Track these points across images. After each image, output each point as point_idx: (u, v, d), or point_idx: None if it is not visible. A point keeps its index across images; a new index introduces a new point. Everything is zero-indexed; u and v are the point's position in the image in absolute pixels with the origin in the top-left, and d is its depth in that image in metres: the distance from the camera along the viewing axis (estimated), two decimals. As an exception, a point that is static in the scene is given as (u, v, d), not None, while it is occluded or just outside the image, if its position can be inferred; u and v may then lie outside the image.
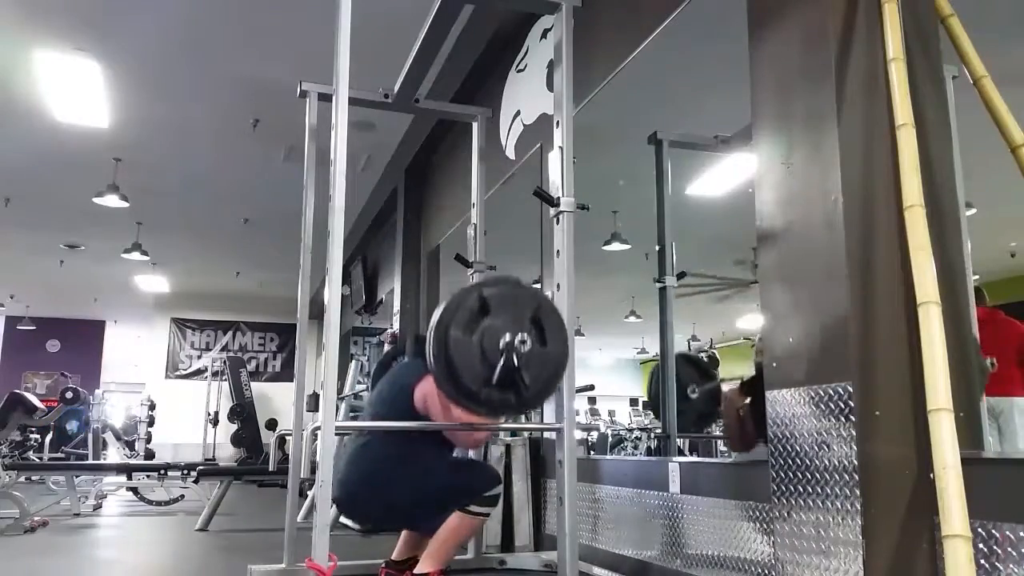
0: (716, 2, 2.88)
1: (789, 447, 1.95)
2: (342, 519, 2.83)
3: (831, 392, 1.82)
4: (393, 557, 2.89)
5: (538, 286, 4.10)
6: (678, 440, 3.97)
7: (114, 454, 9.00)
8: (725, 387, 3.62)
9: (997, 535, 1.56)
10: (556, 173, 2.47)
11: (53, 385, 13.64)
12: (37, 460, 9.11)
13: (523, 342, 2.05)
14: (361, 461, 2.71)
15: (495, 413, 2.24)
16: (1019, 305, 8.52)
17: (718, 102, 4.04)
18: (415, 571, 2.65)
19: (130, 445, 8.84)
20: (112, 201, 6.96)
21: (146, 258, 9.03)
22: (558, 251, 2.42)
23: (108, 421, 9.09)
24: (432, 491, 2.67)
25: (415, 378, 2.71)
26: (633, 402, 11.67)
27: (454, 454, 2.91)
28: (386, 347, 6.73)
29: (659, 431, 5.37)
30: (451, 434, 2.72)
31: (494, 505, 2.77)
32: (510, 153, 4.53)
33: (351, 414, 6.49)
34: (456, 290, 2.24)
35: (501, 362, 2.05)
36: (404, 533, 2.91)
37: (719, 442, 6.36)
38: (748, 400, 3.17)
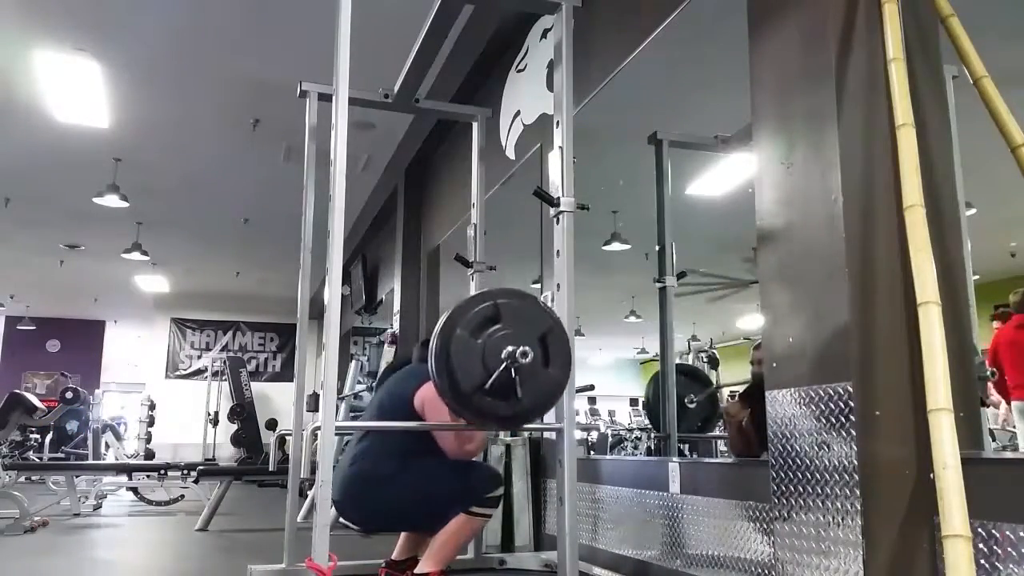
0: (716, 2, 2.88)
1: (789, 447, 1.95)
2: (342, 519, 2.83)
3: (831, 392, 1.82)
4: (393, 557, 2.89)
5: (537, 286, 4.11)
6: (678, 444, 3.98)
7: (113, 454, 9.00)
8: (725, 400, 3.63)
9: (997, 535, 1.56)
10: (556, 173, 2.47)
11: (53, 385, 13.64)
12: (37, 460, 9.11)
13: (524, 355, 2.04)
14: (362, 463, 2.71)
15: (485, 421, 2.23)
16: (1019, 305, 8.51)
17: (718, 102, 4.04)
18: (415, 571, 2.65)
19: (116, 435, 8.83)
20: (112, 201, 6.96)
21: (146, 258, 9.03)
22: (558, 251, 2.42)
23: (108, 421, 9.09)
24: (433, 494, 2.67)
25: (416, 383, 2.72)
26: (633, 402, 11.67)
27: None
28: (386, 347, 6.74)
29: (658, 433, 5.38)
30: (443, 443, 2.72)
31: (495, 506, 2.77)
32: (510, 153, 4.53)
33: (351, 414, 6.49)
34: (461, 296, 2.24)
35: (499, 370, 2.05)
36: (404, 533, 2.91)
37: (719, 442, 6.37)
38: (748, 411, 3.19)
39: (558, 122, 2.50)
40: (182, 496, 6.64)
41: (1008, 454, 3.58)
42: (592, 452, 6.11)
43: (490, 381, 2.05)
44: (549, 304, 2.35)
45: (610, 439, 7.38)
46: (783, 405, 1.98)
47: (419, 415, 2.69)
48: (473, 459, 2.94)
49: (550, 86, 3.79)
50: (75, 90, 5.50)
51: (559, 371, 2.16)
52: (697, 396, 4.00)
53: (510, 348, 2.05)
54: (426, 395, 2.66)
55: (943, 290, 1.68)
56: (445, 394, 2.12)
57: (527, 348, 2.05)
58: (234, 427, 12.85)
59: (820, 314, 1.91)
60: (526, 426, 2.39)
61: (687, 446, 4.42)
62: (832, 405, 1.82)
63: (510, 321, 2.11)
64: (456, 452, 2.74)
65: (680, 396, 3.92)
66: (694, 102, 4.30)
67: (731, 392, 3.83)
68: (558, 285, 2.41)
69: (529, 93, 4.27)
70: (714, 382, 4.01)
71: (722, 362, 7.41)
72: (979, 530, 1.57)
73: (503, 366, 2.05)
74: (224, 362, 14.06)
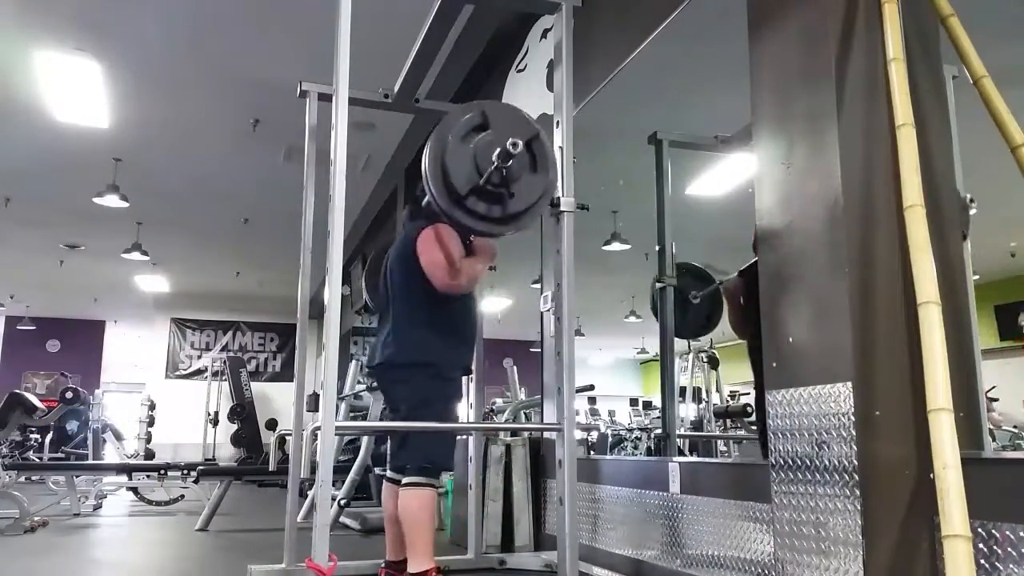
0: (716, 2, 2.88)
1: (789, 447, 1.95)
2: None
3: (831, 392, 1.82)
4: (388, 558, 2.89)
5: (537, 286, 4.11)
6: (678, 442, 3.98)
7: (112, 453, 9.00)
8: (726, 281, 3.64)
9: (997, 535, 1.56)
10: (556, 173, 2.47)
11: (53, 385, 13.63)
12: (37, 460, 9.11)
13: (515, 145, 2.08)
14: (399, 332, 2.82)
15: (478, 223, 2.24)
16: (1019, 305, 8.54)
17: (718, 102, 4.04)
18: (408, 571, 2.64)
19: (116, 435, 8.84)
20: (112, 201, 6.96)
21: (146, 258, 9.02)
22: (558, 251, 2.42)
23: (108, 421, 9.08)
24: (414, 409, 2.72)
25: (418, 230, 2.78)
26: (633, 402, 11.66)
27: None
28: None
29: (659, 431, 5.38)
30: (432, 276, 2.72)
31: (436, 477, 2.78)
32: (510, 153, 4.52)
33: (351, 414, 6.49)
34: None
35: (491, 168, 2.11)
36: (388, 533, 2.91)
37: (719, 442, 6.37)
38: (745, 283, 3.22)
39: (558, 122, 2.50)
40: (182, 496, 6.63)
41: (1008, 454, 3.58)
42: (592, 452, 6.13)
43: (482, 179, 2.12)
44: (549, 303, 2.36)
45: (610, 439, 7.39)
46: (783, 405, 1.98)
47: (416, 249, 2.75)
48: (451, 438, 3.05)
49: (550, 86, 3.79)
50: (75, 90, 5.50)
51: (546, 175, 2.26)
52: (700, 292, 4.02)
53: (500, 148, 2.10)
54: (423, 235, 2.74)
55: (943, 290, 1.68)
56: (439, 199, 2.17)
57: (518, 140, 2.10)
58: (234, 427, 12.86)
59: (820, 314, 1.91)
60: (527, 426, 2.39)
61: (686, 443, 4.41)
62: (832, 405, 1.82)
63: (498, 127, 2.19)
64: (442, 282, 2.71)
65: (683, 293, 3.93)
66: (694, 102, 4.30)
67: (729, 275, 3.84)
68: (558, 285, 2.41)
69: (529, 93, 4.27)
70: (716, 280, 4.03)
71: (722, 362, 7.41)
72: (979, 530, 1.57)
73: (494, 166, 2.11)
74: (224, 362, 14.07)
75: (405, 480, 2.70)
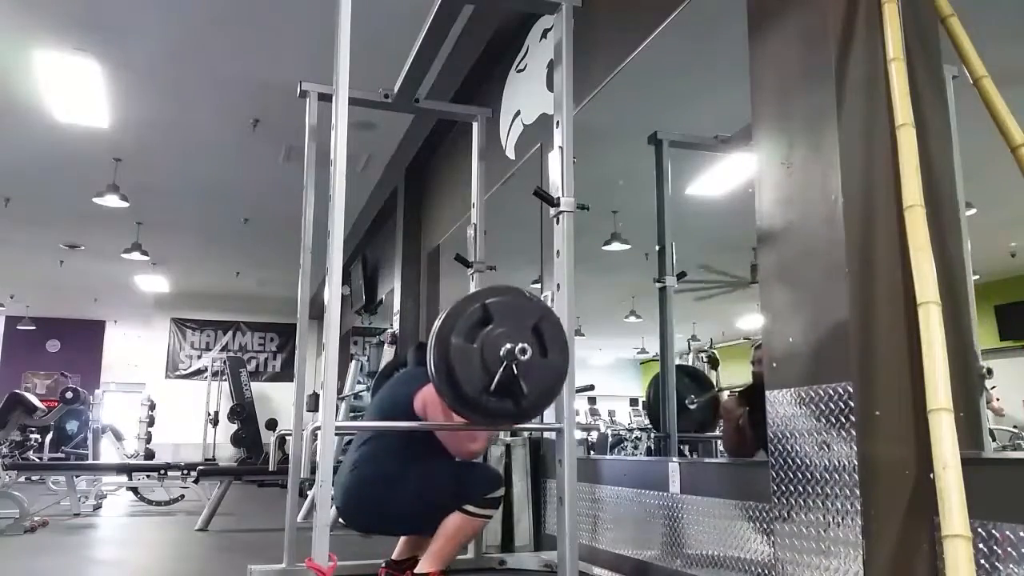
0: (716, 2, 2.88)
1: (789, 447, 1.95)
2: (342, 520, 2.83)
3: (831, 392, 1.82)
4: (393, 557, 2.89)
5: (537, 286, 4.11)
6: (679, 445, 3.97)
7: (113, 453, 8.99)
8: (724, 397, 3.63)
9: (997, 535, 1.56)
10: (556, 173, 2.47)
11: (53, 385, 13.63)
12: (37, 460, 9.10)
13: (523, 351, 2.05)
14: (363, 468, 2.71)
15: (493, 422, 2.24)
16: (1019, 305, 8.54)
17: (718, 102, 4.03)
18: (416, 571, 2.65)
19: (116, 435, 8.84)
20: (112, 201, 6.96)
21: (146, 258, 9.02)
22: (558, 251, 2.42)
23: (108, 422, 9.09)
24: (435, 494, 2.67)
25: (415, 386, 2.72)
26: (633, 402, 11.66)
27: None
28: (386, 347, 6.73)
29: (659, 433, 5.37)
30: (447, 443, 2.72)
31: (496, 507, 2.76)
32: (510, 153, 4.53)
33: (351, 414, 6.49)
34: (458, 297, 2.24)
35: (501, 370, 2.05)
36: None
37: (718, 442, 6.36)
38: (747, 409, 3.19)
39: (558, 122, 2.50)
40: (182, 496, 6.63)
41: (1008, 454, 3.58)
42: (592, 452, 6.12)
43: (494, 383, 2.06)
44: (549, 303, 2.35)
45: (610, 439, 7.38)
46: (783, 405, 1.98)
47: (420, 418, 2.68)
48: (475, 460, 2.94)
49: (550, 86, 3.79)
50: (75, 90, 5.50)
51: (558, 358, 2.17)
52: (698, 398, 4.00)
53: (508, 346, 2.05)
54: (427, 396, 2.66)
55: (943, 290, 1.68)
56: (452, 403, 2.13)
57: (525, 344, 2.06)
58: (234, 427, 12.85)
59: (820, 314, 1.90)
60: (527, 425, 2.39)
61: (687, 447, 4.43)
62: (832, 405, 1.82)
63: (502, 318, 2.12)
64: (461, 452, 2.73)
65: (681, 397, 3.91)
66: (694, 102, 4.30)
67: (731, 391, 3.82)
68: (558, 285, 2.41)
69: (529, 93, 4.27)
70: (715, 384, 4.00)
71: (722, 362, 7.41)
72: (979, 530, 1.57)
73: (504, 365, 2.05)
74: (224, 362, 14.06)
75: (467, 507, 2.66)
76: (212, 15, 4.58)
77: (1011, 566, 1.53)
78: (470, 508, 2.65)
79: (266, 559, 3.25)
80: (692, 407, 3.98)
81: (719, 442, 6.37)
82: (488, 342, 2.08)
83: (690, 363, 7.48)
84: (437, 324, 2.13)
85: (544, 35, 4.07)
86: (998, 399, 7.23)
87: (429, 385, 2.47)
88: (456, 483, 2.70)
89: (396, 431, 2.79)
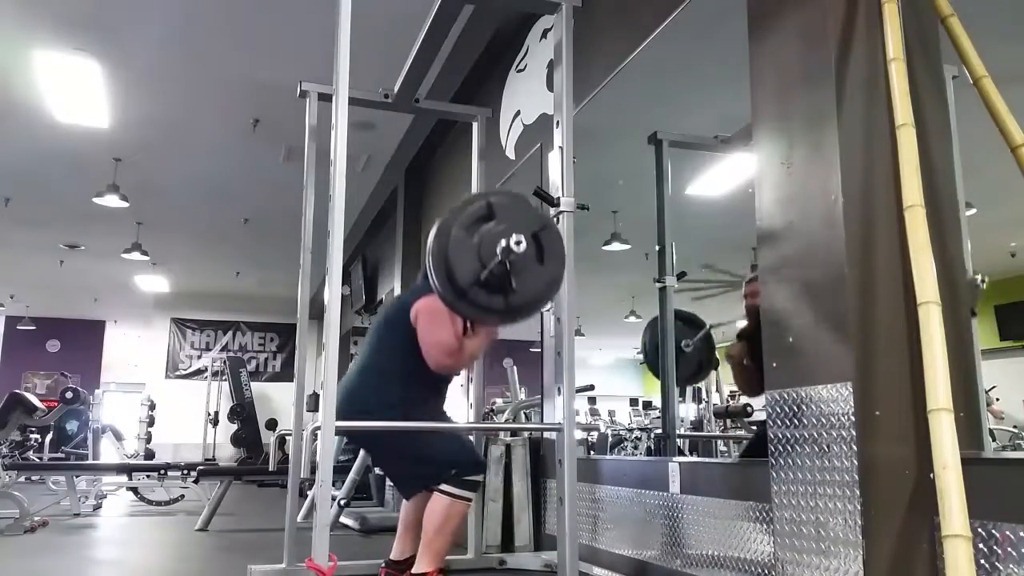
0: (716, 2, 2.88)
1: (789, 447, 1.95)
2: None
3: (831, 392, 1.82)
4: (392, 557, 2.89)
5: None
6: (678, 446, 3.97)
7: (112, 453, 9.00)
8: (728, 347, 3.62)
9: (997, 535, 1.56)
10: (556, 173, 2.47)
11: (53, 385, 13.64)
12: (37, 460, 9.11)
13: (518, 243, 2.06)
14: (364, 393, 2.73)
15: (480, 314, 2.23)
16: (1019, 305, 8.53)
17: (718, 102, 4.03)
18: (412, 571, 2.65)
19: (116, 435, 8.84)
20: (112, 201, 6.96)
21: (146, 258, 9.03)
22: (558, 251, 2.42)
23: (108, 422, 9.09)
24: (422, 454, 2.69)
25: (419, 294, 2.74)
26: (633, 402, 11.65)
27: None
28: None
29: (659, 431, 5.37)
30: (428, 353, 2.68)
31: (475, 491, 2.76)
32: (510, 153, 4.53)
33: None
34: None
35: (494, 262, 2.08)
36: (399, 532, 2.91)
37: (718, 442, 6.36)
38: (746, 347, 3.21)
39: (558, 122, 2.50)
40: (182, 496, 6.63)
41: (1008, 454, 3.58)
42: (592, 452, 6.12)
43: (484, 273, 2.09)
44: (549, 303, 2.35)
45: (610, 439, 7.38)
46: (783, 405, 1.98)
47: (412, 320, 2.72)
48: (465, 439, 2.95)
49: (550, 86, 3.79)
50: (75, 90, 5.50)
51: (553, 267, 2.20)
52: (692, 340, 3.99)
53: (504, 241, 2.07)
54: (422, 304, 2.69)
55: (943, 290, 1.68)
56: (443, 292, 2.14)
57: (520, 237, 2.07)
58: (234, 427, 12.86)
59: (820, 314, 1.90)
60: (527, 425, 2.39)
61: (686, 443, 4.40)
62: (832, 405, 1.82)
63: (504, 218, 2.15)
64: (439, 363, 2.69)
65: (675, 342, 3.91)
66: (694, 102, 4.30)
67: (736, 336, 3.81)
68: (558, 285, 2.41)
69: (529, 93, 4.27)
70: (706, 322, 4.00)
71: (722, 362, 7.39)
72: (979, 530, 1.57)
73: (498, 259, 2.08)
74: (224, 362, 14.07)
75: (443, 487, 2.67)
76: (212, 15, 4.58)
77: (1011, 566, 1.53)
78: (449, 486, 2.65)
79: (266, 559, 3.25)
80: (688, 350, 3.98)
81: (718, 442, 6.38)
82: (487, 238, 2.11)
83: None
84: (441, 217, 2.16)
85: (544, 35, 4.07)
86: (997, 399, 7.23)
87: (429, 295, 2.53)
88: (446, 452, 2.71)
89: (388, 354, 2.78)
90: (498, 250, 2.07)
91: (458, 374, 3.00)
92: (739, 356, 3.29)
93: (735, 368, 3.40)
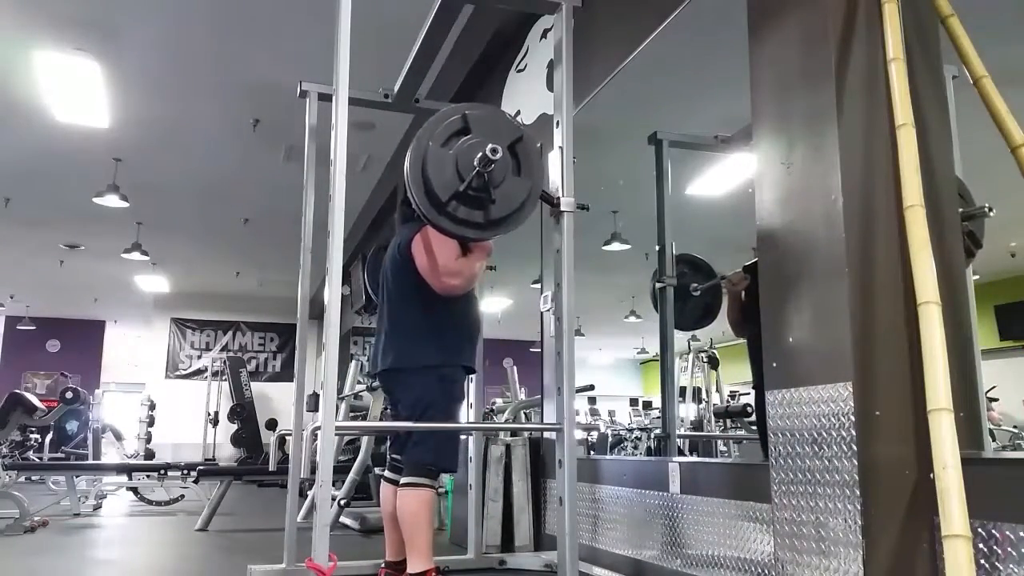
0: (716, 2, 2.88)
1: (789, 447, 1.95)
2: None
3: (831, 392, 1.82)
4: (388, 558, 2.89)
5: (537, 286, 4.11)
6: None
7: (113, 453, 9.00)
8: (730, 275, 3.65)
9: (997, 535, 1.56)
10: (556, 173, 2.47)
11: (53, 385, 13.63)
12: (37, 460, 9.11)
13: (495, 151, 2.06)
14: (399, 352, 2.79)
15: (460, 228, 2.22)
16: (1019, 305, 8.53)
17: (718, 102, 4.04)
18: (407, 572, 2.64)
19: (116, 435, 8.85)
20: (112, 201, 6.96)
21: (146, 258, 9.02)
22: (558, 251, 2.42)
23: (108, 421, 9.09)
24: (421, 407, 2.71)
25: (417, 228, 2.76)
26: (633, 402, 11.66)
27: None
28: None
29: (659, 431, 5.38)
30: (430, 280, 2.71)
31: (436, 478, 2.78)
32: (510, 153, 4.52)
33: (351, 414, 6.49)
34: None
35: (472, 175, 2.08)
36: (387, 532, 2.91)
37: (718, 442, 6.37)
38: (747, 281, 3.24)
39: (558, 122, 2.50)
40: (182, 496, 6.63)
41: (1008, 454, 3.58)
42: (592, 452, 6.13)
43: (463, 185, 2.09)
44: (549, 303, 2.36)
45: (610, 439, 7.39)
46: (783, 405, 1.98)
47: (408, 253, 2.75)
48: (459, 442, 2.98)
49: (550, 86, 3.79)
50: (75, 90, 5.50)
51: (531, 177, 2.21)
52: (701, 284, 4.01)
53: (480, 152, 2.07)
54: (414, 240, 2.74)
55: (943, 290, 1.68)
56: (422, 209, 2.15)
57: (497, 146, 2.07)
58: (234, 427, 12.84)
59: (820, 314, 1.91)
60: (527, 426, 2.39)
61: (686, 443, 4.40)
62: (832, 405, 1.82)
63: (480, 131, 2.15)
64: (444, 285, 2.71)
65: (684, 285, 3.92)
66: (694, 102, 4.30)
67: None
68: (558, 285, 2.41)
69: (529, 93, 4.27)
70: (716, 273, 4.02)
71: (722, 362, 7.41)
72: (979, 530, 1.57)
73: (475, 171, 2.08)
74: (224, 362, 14.05)
75: (403, 480, 2.70)
76: (212, 15, 4.58)
77: (1011, 566, 1.53)
78: (409, 480, 2.67)
79: (266, 559, 3.25)
80: (696, 294, 3.99)
81: (718, 443, 6.38)
82: (463, 151, 2.11)
83: (690, 364, 7.48)
84: (417, 133, 2.16)
85: (544, 35, 4.07)
86: (996, 400, 7.23)
87: (423, 230, 2.63)
88: (437, 435, 2.75)
89: (406, 301, 2.80)
90: (475, 161, 2.08)
91: (473, 299, 3.01)
92: (739, 286, 3.34)
93: (731, 299, 3.44)
